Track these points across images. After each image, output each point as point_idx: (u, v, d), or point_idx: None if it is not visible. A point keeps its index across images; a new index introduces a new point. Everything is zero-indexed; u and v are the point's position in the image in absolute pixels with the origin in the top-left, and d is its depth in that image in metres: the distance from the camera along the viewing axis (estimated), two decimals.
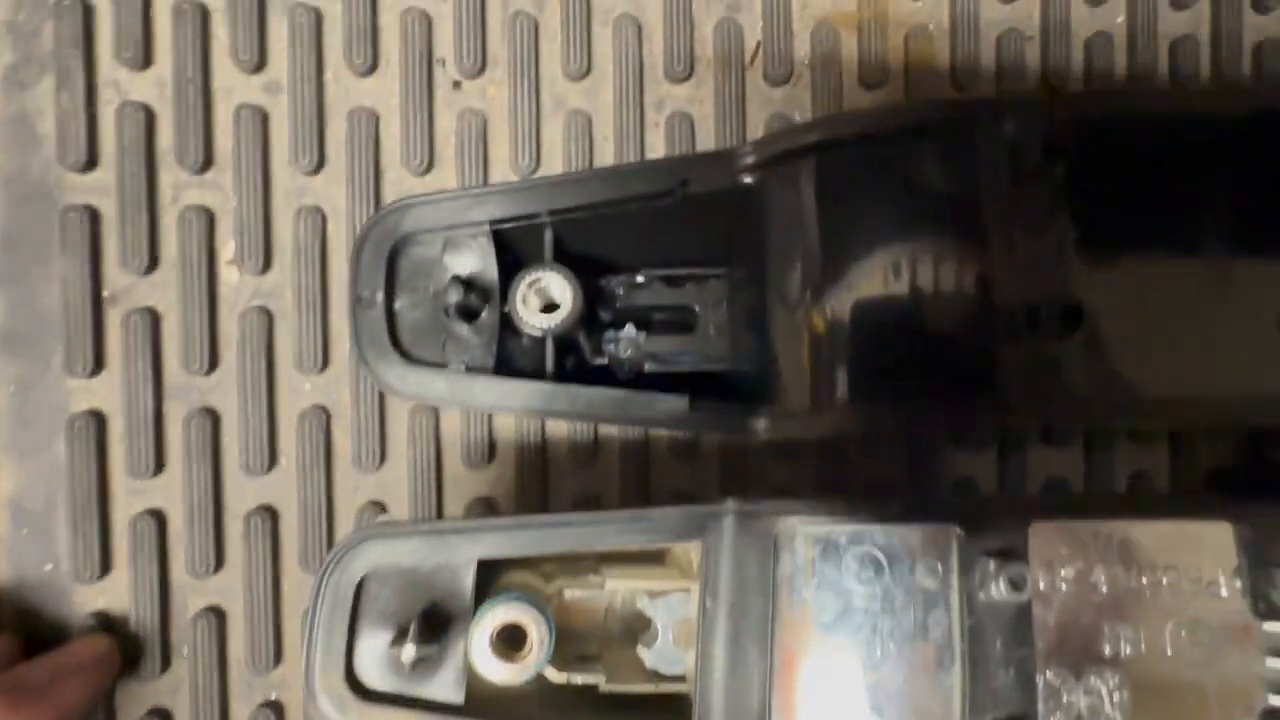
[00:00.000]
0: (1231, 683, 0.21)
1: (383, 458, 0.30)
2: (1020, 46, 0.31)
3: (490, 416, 0.30)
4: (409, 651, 0.19)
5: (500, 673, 0.21)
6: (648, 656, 0.24)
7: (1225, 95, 0.25)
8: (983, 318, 0.19)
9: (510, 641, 0.22)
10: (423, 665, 0.20)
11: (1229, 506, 0.22)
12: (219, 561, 0.29)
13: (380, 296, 0.21)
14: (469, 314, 0.22)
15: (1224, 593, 0.21)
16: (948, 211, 0.19)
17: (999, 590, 0.20)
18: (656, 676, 0.25)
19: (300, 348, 0.29)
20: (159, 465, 0.29)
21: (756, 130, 0.30)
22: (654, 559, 0.26)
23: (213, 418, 0.29)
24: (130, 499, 0.29)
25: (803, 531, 0.21)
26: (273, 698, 0.29)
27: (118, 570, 0.29)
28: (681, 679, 0.24)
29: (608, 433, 0.30)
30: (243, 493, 0.29)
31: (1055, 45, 0.31)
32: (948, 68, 0.30)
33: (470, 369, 0.22)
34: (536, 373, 0.22)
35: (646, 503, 0.29)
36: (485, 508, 0.29)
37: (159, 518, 0.29)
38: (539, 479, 0.29)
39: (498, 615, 0.21)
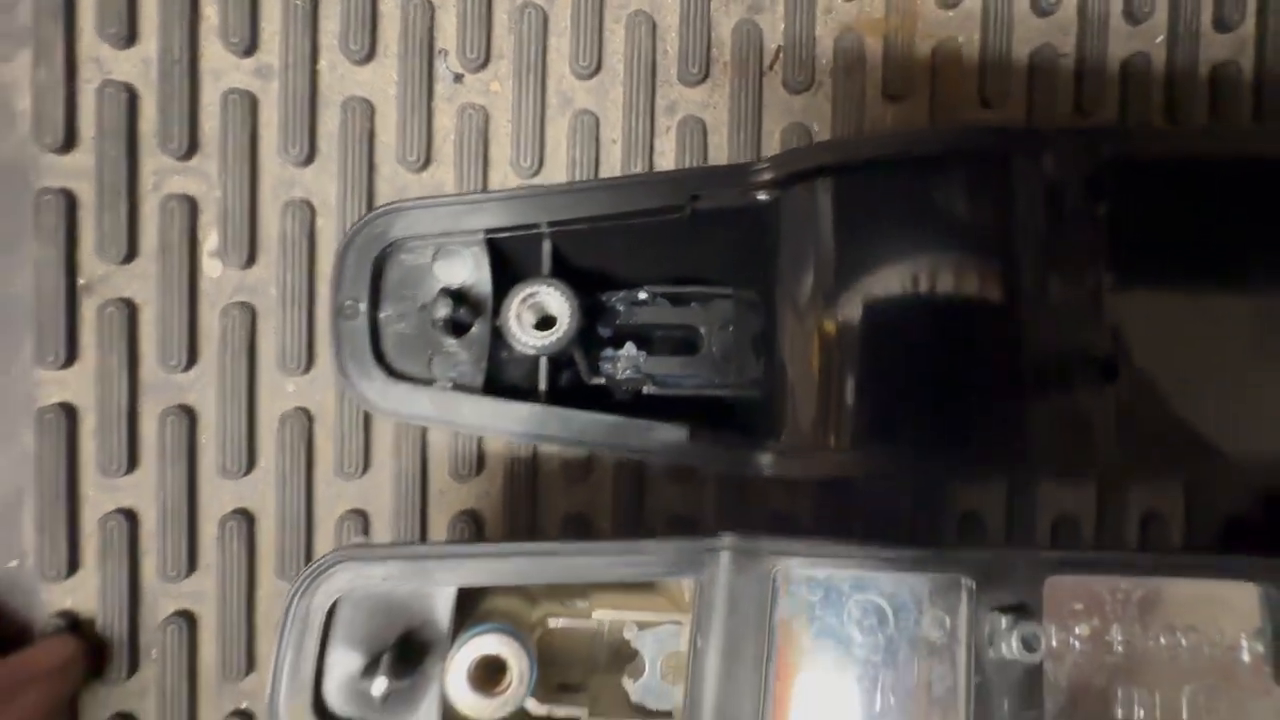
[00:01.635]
0: None
1: (366, 466, 0.29)
2: (1054, 65, 0.29)
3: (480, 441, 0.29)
4: (380, 685, 0.18)
5: (478, 707, 0.20)
6: (634, 690, 0.23)
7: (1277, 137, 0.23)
8: (1010, 364, 0.18)
9: (489, 672, 0.20)
10: (395, 698, 0.19)
11: (1253, 566, 0.21)
12: (191, 565, 0.28)
13: (364, 306, 0.20)
14: (458, 328, 0.20)
15: (1245, 656, 0.20)
16: (977, 247, 0.18)
17: (1010, 649, 0.19)
18: (642, 711, 0.23)
19: (284, 347, 0.28)
20: (132, 463, 0.28)
21: (773, 140, 0.29)
22: (645, 587, 0.25)
23: (190, 416, 0.28)
24: (101, 496, 0.28)
25: (803, 574, 0.20)
26: (243, 706, 0.28)
27: (86, 569, 0.28)
28: (669, 715, 0.23)
29: (602, 450, 0.29)
30: (219, 495, 0.28)
31: (1090, 64, 0.29)
32: (976, 84, 0.29)
33: (458, 386, 0.21)
34: (528, 392, 0.20)
35: (640, 524, 0.28)
36: (471, 522, 0.28)
37: (130, 517, 0.28)
38: (528, 496, 0.28)
39: (476, 647, 0.20)
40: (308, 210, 0.28)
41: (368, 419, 0.29)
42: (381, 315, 0.20)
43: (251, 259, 0.28)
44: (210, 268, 0.28)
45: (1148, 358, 0.18)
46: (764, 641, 0.20)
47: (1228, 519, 0.26)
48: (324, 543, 0.28)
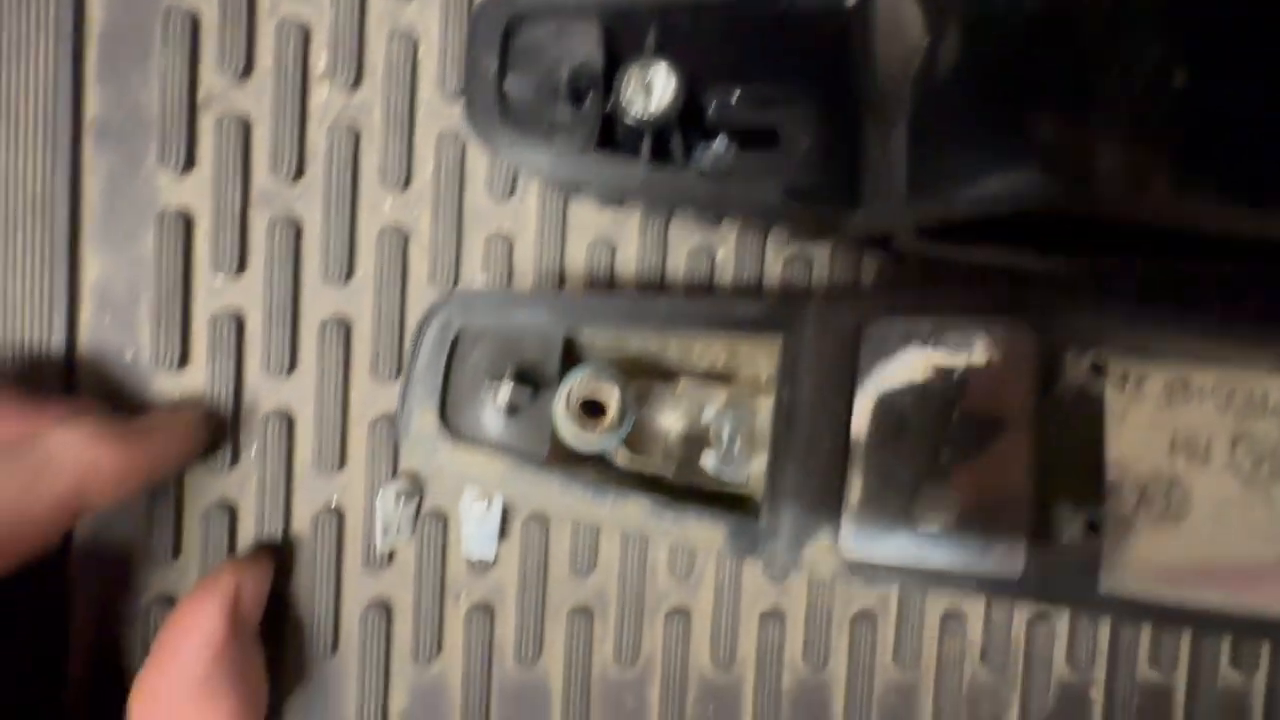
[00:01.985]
0: None
1: (456, 279, 0.31)
2: None
3: (563, 247, 0.31)
4: (504, 393, 0.20)
5: (580, 439, 0.22)
6: (711, 463, 0.25)
7: None
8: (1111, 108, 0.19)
9: (591, 412, 0.22)
10: (511, 420, 0.21)
11: None
12: (292, 364, 0.30)
13: (493, 71, 0.22)
14: (576, 97, 0.22)
15: None
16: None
17: (1077, 378, 0.20)
18: (717, 483, 0.25)
19: (385, 166, 0.30)
20: (241, 265, 0.30)
21: None
22: (723, 379, 0.26)
23: (295, 225, 0.30)
24: (211, 296, 0.30)
25: (885, 323, 0.22)
26: (334, 503, 0.30)
27: (195, 364, 0.30)
28: (744, 485, 0.25)
29: (675, 268, 0.31)
30: (319, 300, 0.30)
31: None
32: None
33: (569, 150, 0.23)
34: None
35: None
36: None
37: (238, 317, 0.30)
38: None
39: (581, 385, 0.22)
40: (410, 41, 0.30)
41: (460, 236, 0.31)
42: (507, 81, 0.22)
43: (358, 81, 0.30)
44: (319, 88, 0.30)
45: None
46: (847, 387, 0.22)
47: None
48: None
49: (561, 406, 0.22)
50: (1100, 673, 0.34)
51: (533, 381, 0.21)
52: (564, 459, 0.22)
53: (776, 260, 0.31)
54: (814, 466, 0.22)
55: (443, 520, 0.31)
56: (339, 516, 0.30)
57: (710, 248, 0.31)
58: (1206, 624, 0.20)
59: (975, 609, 0.33)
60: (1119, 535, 0.20)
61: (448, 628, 0.31)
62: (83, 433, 0.24)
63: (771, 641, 0.32)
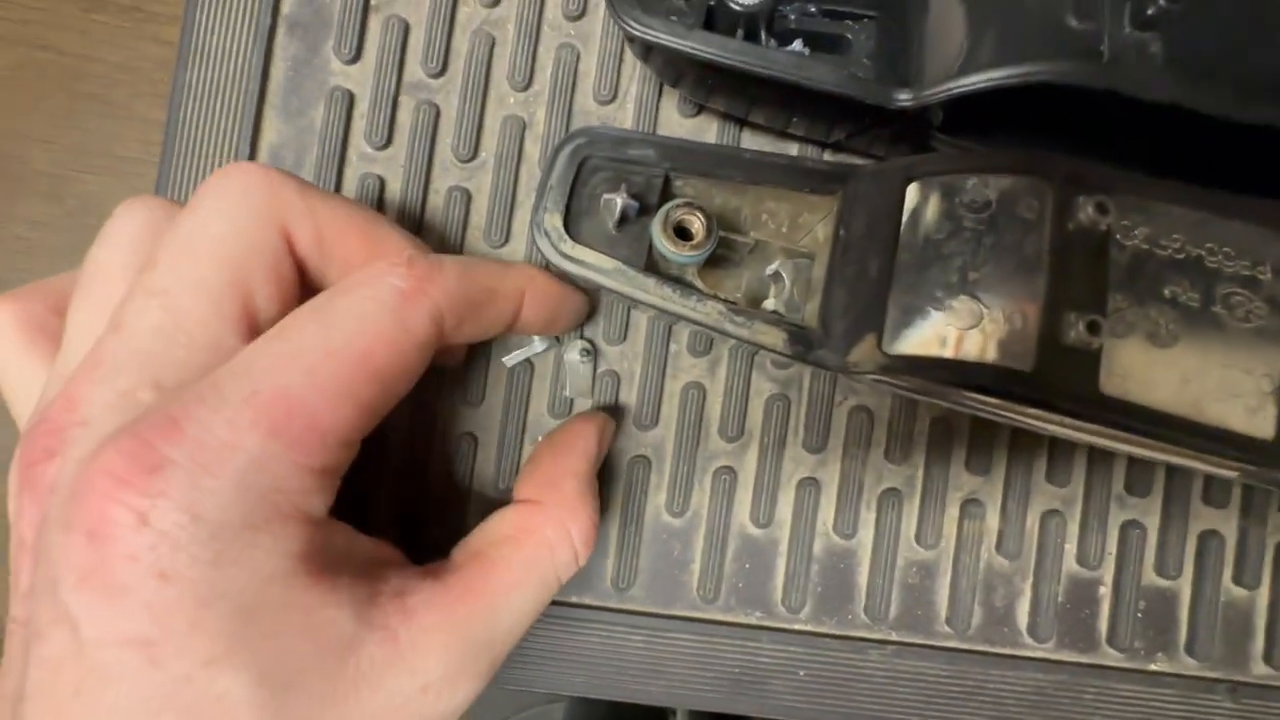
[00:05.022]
0: (1268, 343, 0.25)
1: None
2: None
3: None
4: (616, 206, 0.25)
5: (673, 252, 0.27)
6: (774, 302, 0.30)
7: None
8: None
9: (683, 233, 0.27)
10: (618, 231, 0.26)
11: None
12: (419, 227, 0.36)
13: None
14: None
15: (1269, 278, 0.26)
16: None
17: (1085, 216, 0.25)
18: (779, 317, 0.30)
19: (513, 68, 0.36)
20: (389, 141, 0.36)
21: None
22: (787, 239, 0.31)
23: (435, 110, 0.36)
24: (362, 161, 0.36)
25: (929, 177, 0.27)
26: None
27: None
28: (801, 321, 0.30)
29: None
30: (447, 174, 0.36)
31: None
32: None
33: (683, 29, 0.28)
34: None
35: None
36: None
37: (380, 182, 0.36)
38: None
39: (676, 210, 0.27)
40: None
41: (568, 129, 0.36)
42: None
43: (497, 1, 0.36)
44: (466, 3, 0.37)
45: None
46: (895, 224, 0.26)
47: None
48: (523, 219, 0.36)
49: (659, 225, 0.27)
50: (1109, 574, 0.37)
51: (639, 202, 0.27)
52: (656, 271, 0.27)
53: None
54: (863, 287, 0.26)
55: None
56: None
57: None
58: (1188, 433, 0.24)
59: (993, 497, 0.36)
60: (1117, 348, 0.24)
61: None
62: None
63: (807, 507, 0.36)
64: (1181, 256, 0.26)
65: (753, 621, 0.36)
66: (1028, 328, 0.24)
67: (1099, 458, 0.37)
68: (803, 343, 0.27)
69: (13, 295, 0.26)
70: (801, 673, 0.36)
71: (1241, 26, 0.26)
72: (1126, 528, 0.37)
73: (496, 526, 0.27)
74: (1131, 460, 0.38)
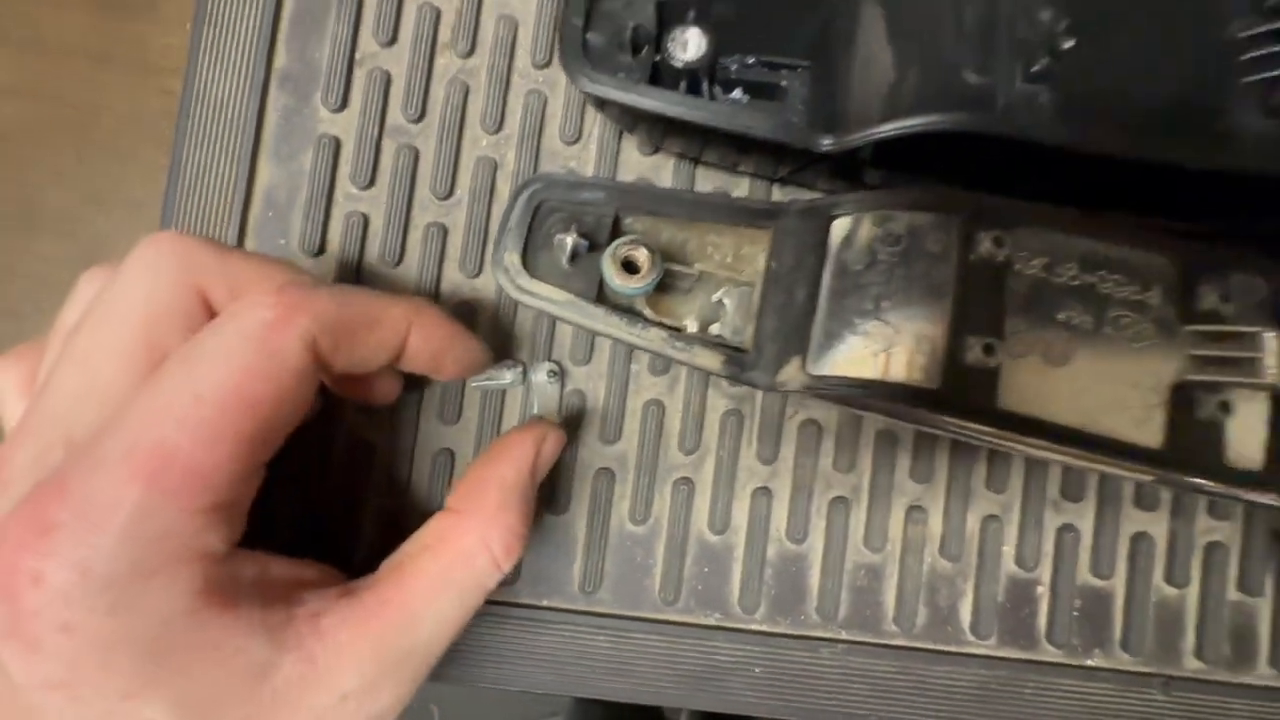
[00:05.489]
0: (1154, 360, 0.28)
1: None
2: None
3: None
4: (568, 244, 0.28)
5: (620, 283, 0.30)
6: (719, 328, 0.33)
7: None
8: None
9: (630, 268, 0.30)
10: (571, 266, 0.29)
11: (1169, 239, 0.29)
12: (400, 258, 0.39)
13: (579, 28, 0.31)
14: (635, 49, 0.31)
15: (1156, 301, 0.29)
16: None
17: (985, 249, 0.28)
18: (721, 341, 0.33)
19: (485, 113, 0.40)
20: (372, 181, 0.39)
21: None
22: (729, 270, 0.34)
23: (415, 153, 0.39)
24: (347, 202, 0.39)
25: (850, 214, 0.30)
26: None
27: (329, 252, 0.39)
28: (742, 344, 0.33)
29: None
30: (426, 210, 0.39)
31: None
32: None
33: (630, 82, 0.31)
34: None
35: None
36: None
37: (364, 219, 0.39)
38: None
39: (623, 248, 0.30)
40: (512, 23, 0.40)
41: (536, 168, 0.40)
42: (588, 36, 0.31)
43: (471, 51, 0.40)
44: (442, 55, 0.40)
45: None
46: (819, 257, 0.29)
47: None
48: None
49: (608, 261, 0.30)
50: (1046, 574, 0.39)
51: (589, 241, 0.30)
52: (607, 302, 0.30)
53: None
54: (790, 314, 0.29)
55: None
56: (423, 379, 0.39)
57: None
58: (1081, 442, 0.27)
59: (936, 503, 0.39)
60: (1015, 367, 0.27)
61: None
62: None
63: (760, 514, 0.39)
64: (1076, 283, 0.29)
65: (711, 622, 0.39)
66: (935, 350, 0.27)
67: (1035, 465, 0.40)
68: (738, 364, 0.30)
69: (14, 355, 0.27)
70: (758, 670, 0.38)
71: (1123, 73, 0.28)
72: (1062, 531, 0.39)
73: (419, 537, 0.28)
74: (1066, 467, 0.40)
